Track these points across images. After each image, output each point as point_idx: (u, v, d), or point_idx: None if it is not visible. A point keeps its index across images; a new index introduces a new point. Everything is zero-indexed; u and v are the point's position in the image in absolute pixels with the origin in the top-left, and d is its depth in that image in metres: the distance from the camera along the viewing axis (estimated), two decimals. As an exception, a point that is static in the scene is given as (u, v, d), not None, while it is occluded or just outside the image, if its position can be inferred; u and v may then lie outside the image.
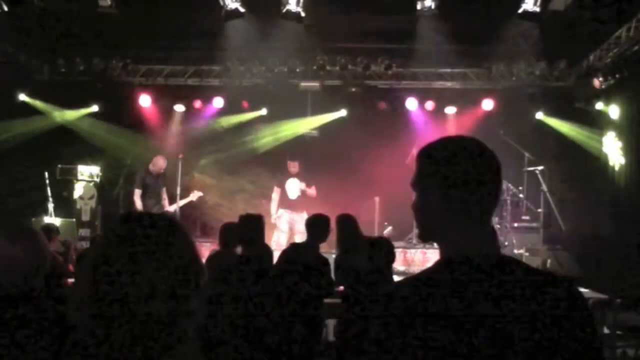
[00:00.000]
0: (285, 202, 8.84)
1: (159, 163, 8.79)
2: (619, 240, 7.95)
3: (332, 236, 5.31)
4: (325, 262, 5.08)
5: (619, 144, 8.80)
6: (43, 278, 2.47)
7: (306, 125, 10.90)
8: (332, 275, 5.12)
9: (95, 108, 10.78)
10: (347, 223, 5.31)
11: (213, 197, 9.66)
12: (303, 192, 8.81)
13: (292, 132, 10.92)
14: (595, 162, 9.24)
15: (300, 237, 8.52)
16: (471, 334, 1.23)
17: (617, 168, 8.78)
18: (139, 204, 8.59)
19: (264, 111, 10.88)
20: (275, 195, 8.89)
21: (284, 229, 8.74)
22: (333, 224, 5.25)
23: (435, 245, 1.42)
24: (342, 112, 10.85)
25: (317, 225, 5.10)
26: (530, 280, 1.29)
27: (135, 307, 1.17)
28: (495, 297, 1.26)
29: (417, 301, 1.28)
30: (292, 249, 5.36)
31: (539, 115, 10.35)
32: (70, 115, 10.66)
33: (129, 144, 10.39)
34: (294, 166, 8.92)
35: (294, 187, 8.85)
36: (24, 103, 10.31)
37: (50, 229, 6.36)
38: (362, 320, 3.94)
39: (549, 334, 1.22)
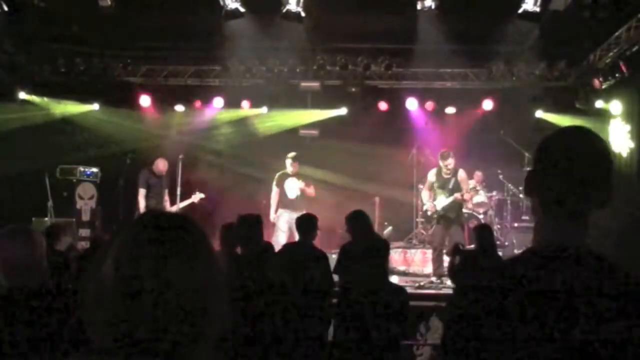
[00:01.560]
0: (284, 202, 8.85)
1: (160, 166, 8.78)
2: (619, 240, 7.94)
3: (332, 236, 5.35)
4: (324, 255, 5.17)
5: (627, 128, 8.71)
6: (39, 276, 2.48)
7: (308, 117, 10.86)
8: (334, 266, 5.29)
9: (96, 106, 10.79)
10: (358, 219, 5.41)
11: (213, 197, 9.66)
12: (302, 192, 8.81)
13: (293, 122, 10.90)
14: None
15: None
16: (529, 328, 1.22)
17: (625, 154, 8.70)
18: (142, 203, 8.58)
19: (264, 109, 10.89)
20: (275, 195, 8.90)
21: (284, 229, 8.74)
22: (331, 224, 5.32)
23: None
24: (343, 110, 10.83)
25: (306, 224, 5.26)
26: (606, 279, 1.26)
27: (159, 305, 1.18)
28: (560, 290, 1.24)
29: (495, 290, 1.28)
30: (287, 248, 5.44)
31: (539, 113, 10.35)
32: (72, 108, 10.64)
33: (128, 144, 10.39)
34: (293, 166, 8.92)
35: (293, 186, 8.86)
36: (23, 102, 10.30)
37: (56, 229, 6.29)
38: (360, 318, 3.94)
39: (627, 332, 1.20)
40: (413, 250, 9.38)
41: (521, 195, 9.51)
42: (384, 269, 4.28)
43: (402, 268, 8.98)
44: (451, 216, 8.00)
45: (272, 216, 8.76)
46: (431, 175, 8.28)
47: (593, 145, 1.37)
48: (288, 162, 8.91)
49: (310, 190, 8.85)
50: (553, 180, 1.36)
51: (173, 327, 1.17)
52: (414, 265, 9.11)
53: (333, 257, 5.63)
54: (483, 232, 5.77)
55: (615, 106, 8.93)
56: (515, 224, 9.41)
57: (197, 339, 1.21)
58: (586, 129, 1.41)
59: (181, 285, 1.19)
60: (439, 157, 8.13)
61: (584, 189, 1.33)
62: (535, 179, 1.40)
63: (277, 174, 8.97)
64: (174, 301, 1.18)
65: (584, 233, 1.36)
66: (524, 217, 9.50)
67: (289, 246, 5.61)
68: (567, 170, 1.34)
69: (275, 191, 8.90)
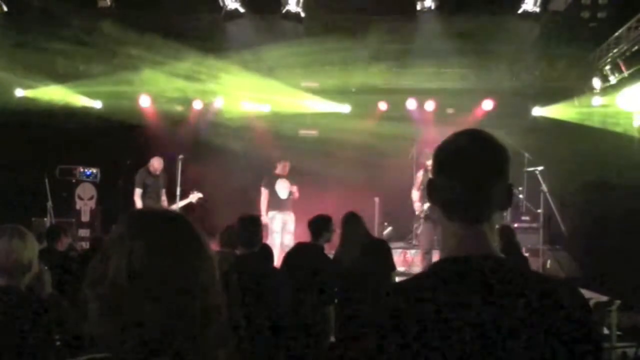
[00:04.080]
0: (276, 203, 8.81)
1: (155, 165, 8.78)
2: (621, 240, 7.94)
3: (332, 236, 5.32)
4: (329, 261, 5.12)
5: None
6: (25, 276, 2.46)
7: (310, 111, 10.82)
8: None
9: (97, 105, 10.75)
10: (351, 222, 5.34)
11: (212, 197, 9.64)
12: (292, 193, 8.83)
13: (295, 120, 10.89)
14: (602, 155, 9.00)
15: (290, 237, 8.65)
16: (448, 339, 1.19)
17: None
18: (139, 203, 8.58)
19: (267, 107, 10.84)
20: (264, 197, 8.85)
21: (278, 230, 8.75)
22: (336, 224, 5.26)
23: (436, 245, 1.42)
24: (347, 107, 10.76)
25: (320, 225, 5.13)
26: (518, 283, 1.25)
27: (172, 305, 1.17)
28: (475, 300, 1.22)
29: (403, 304, 1.26)
30: (297, 250, 5.35)
31: (537, 110, 10.31)
32: (71, 108, 10.54)
33: (128, 145, 10.38)
34: (284, 166, 8.91)
35: (283, 187, 8.83)
36: (22, 102, 10.25)
37: (56, 230, 6.29)
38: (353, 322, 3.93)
39: (543, 337, 1.19)
40: (413, 251, 9.38)
41: (521, 196, 9.50)
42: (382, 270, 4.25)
43: (402, 269, 8.96)
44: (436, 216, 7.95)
45: (264, 218, 8.69)
46: (420, 175, 8.26)
47: (487, 147, 1.34)
48: (280, 163, 8.92)
49: (295, 191, 8.87)
50: (450, 187, 1.33)
51: (181, 326, 1.17)
52: (414, 265, 9.10)
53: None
54: (507, 232, 6.07)
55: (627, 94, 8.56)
56: (515, 224, 9.39)
57: (203, 336, 1.21)
58: (479, 131, 1.38)
59: (191, 286, 1.19)
60: (425, 157, 8.08)
61: (480, 193, 1.31)
62: (434, 187, 1.37)
63: (265, 177, 8.94)
64: (184, 301, 1.18)
65: (488, 236, 1.33)
66: (524, 218, 9.49)
67: (296, 248, 5.48)
68: (463, 176, 1.32)
69: (263, 193, 8.87)
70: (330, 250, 5.72)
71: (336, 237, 5.34)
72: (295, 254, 5.10)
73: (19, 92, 10.28)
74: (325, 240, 5.14)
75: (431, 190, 1.38)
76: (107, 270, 1.18)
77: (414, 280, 1.37)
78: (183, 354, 1.17)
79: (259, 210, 8.75)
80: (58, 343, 2.51)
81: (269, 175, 8.94)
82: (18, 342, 2.32)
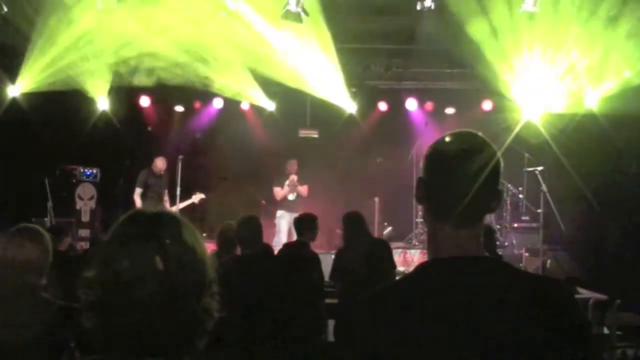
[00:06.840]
0: (285, 203, 8.84)
1: (159, 164, 8.79)
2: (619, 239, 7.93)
3: (332, 236, 5.35)
4: (316, 257, 5.18)
5: None
6: (37, 277, 2.47)
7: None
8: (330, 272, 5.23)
9: (100, 105, 10.68)
10: (352, 220, 5.37)
11: (213, 197, 9.64)
12: (294, 188, 8.82)
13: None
14: (602, 154, 8.93)
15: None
16: (440, 339, 1.20)
17: None
18: (138, 203, 8.59)
19: (272, 106, 10.78)
20: (278, 190, 8.89)
21: (284, 230, 8.77)
22: (331, 224, 5.31)
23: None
24: (353, 107, 10.71)
25: (303, 223, 5.27)
26: (509, 283, 1.27)
27: (155, 305, 1.17)
28: (466, 300, 1.23)
29: (393, 305, 1.26)
30: (284, 249, 5.45)
31: (539, 111, 10.27)
32: (71, 108, 10.44)
33: (128, 145, 10.37)
34: (293, 165, 8.93)
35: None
36: (20, 100, 10.18)
37: (58, 230, 6.28)
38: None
39: (537, 334, 1.20)
40: (413, 251, 9.38)
41: (521, 196, 9.50)
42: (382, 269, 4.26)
43: (402, 269, 8.96)
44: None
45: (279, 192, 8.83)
46: None
47: (480, 150, 1.34)
48: (288, 162, 8.95)
49: (302, 189, 8.86)
50: (441, 188, 1.33)
51: (168, 325, 1.17)
52: (414, 265, 9.08)
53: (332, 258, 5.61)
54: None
55: None
56: (515, 224, 9.40)
57: (192, 334, 1.20)
58: (472, 133, 1.38)
59: (175, 281, 1.19)
60: None
61: (472, 196, 1.31)
62: (424, 186, 1.37)
63: (276, 176, 8.98)
64: (169, 298, 1.17)
65: (478, 239, 1.33)
66: (523, 218, 9.49)
67: (283, 248, 5.61)
68: (455, 178, 1.32)
69: (276, 192, 8.91)
70: (330, 250, 5.74)
71: (332, 237, 5.38)
72: (283, 254, 5.17)
73: (16, 91, 10.21)
74: (310, 238, 5.23)
75: (421, 190, 1.38)
76: (90, 272, 1.19)
77: (404, 281, 1.37)
78: (172, 351, 1.17)
79: (268, 208, 8.83)
80: (72, 344, 2.52)
81: (280, 174, 8.98)
82: (32, 342, 2.33)
